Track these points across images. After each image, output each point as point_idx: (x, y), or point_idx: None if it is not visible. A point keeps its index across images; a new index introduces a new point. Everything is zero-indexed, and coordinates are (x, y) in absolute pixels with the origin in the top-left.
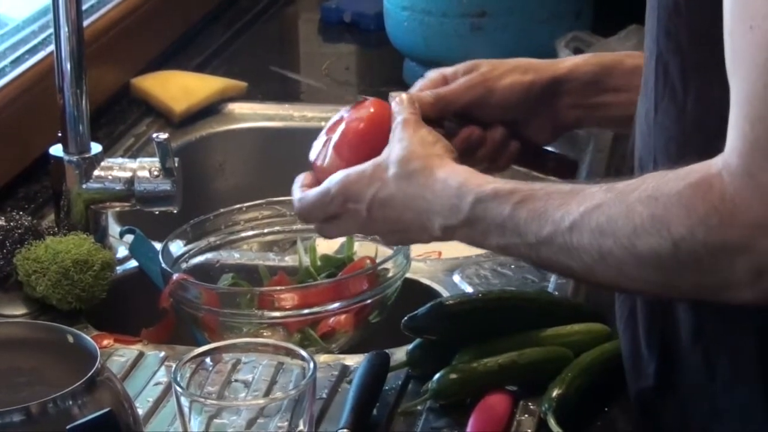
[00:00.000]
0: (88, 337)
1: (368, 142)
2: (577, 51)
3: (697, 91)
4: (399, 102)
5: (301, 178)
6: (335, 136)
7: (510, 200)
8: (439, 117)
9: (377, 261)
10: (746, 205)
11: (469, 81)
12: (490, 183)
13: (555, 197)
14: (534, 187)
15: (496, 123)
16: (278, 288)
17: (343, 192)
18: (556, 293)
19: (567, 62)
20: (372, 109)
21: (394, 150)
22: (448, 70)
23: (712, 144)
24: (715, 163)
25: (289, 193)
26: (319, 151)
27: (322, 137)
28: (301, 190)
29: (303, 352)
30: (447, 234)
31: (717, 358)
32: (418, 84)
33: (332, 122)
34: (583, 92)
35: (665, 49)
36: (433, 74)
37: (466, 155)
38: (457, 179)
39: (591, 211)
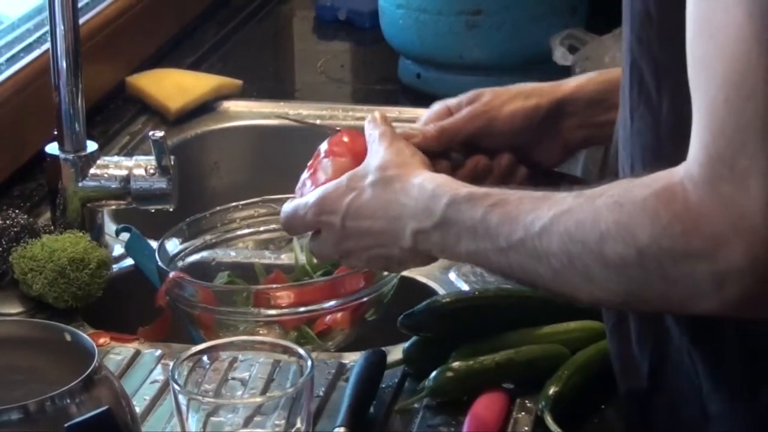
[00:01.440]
0: (86, 336)
1: (346, 170)
2: (572, 48)
3: (671, 98)
4: (372, 120)
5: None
6: (314, 170)
7: (483, 203)
8: (444, 149)
9: None
10: (708, 215)
11: (472, 111)
12: (465, 187)
13: (527, 202)
14: (507, 192)
15: (502, 150)
16: (274, 286)
17: (318, 203)
18: None
19: (571, 83)
20: (346, 139)
21: (371, 160)
22: (452, 102)
23: (686, 152)
24: (677, 172)
25: (284, 190)
26: (300, 186)
27: (304, 173)
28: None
29: (300, 350)
30: (418, 240)
31: (703, 362)
32: (424, 117)
33: (313, 158)
34: (588, 111)
35: (639, 56)
36: (437, 107)
37: (474, 184)
38: (432, 183)
39: (560, 215)
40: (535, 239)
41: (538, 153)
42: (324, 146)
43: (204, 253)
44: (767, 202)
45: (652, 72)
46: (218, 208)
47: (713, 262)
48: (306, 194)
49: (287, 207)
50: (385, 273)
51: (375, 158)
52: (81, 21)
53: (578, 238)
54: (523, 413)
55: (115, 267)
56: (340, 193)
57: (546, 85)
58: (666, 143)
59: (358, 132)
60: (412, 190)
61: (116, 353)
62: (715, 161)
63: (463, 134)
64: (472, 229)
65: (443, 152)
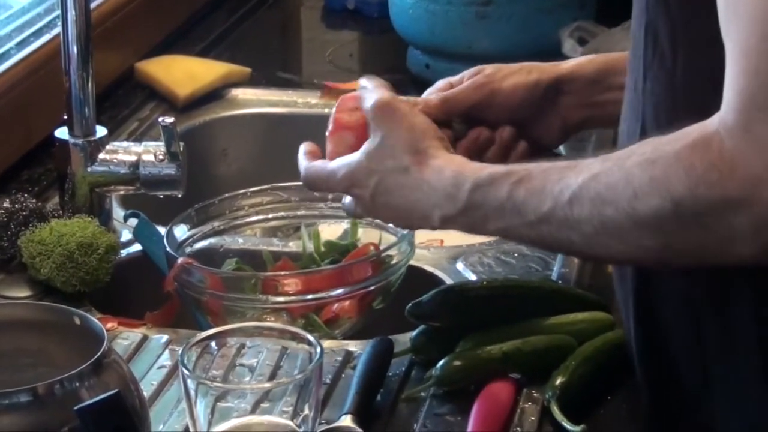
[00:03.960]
0: (95, 319)
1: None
2: (582, 41)
3: (687, 55)
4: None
5: (305, 146)
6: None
7: (507, 182)
8: (446, 119)
9: (381, 248)
10: (744, 159)
11: (474, 83)
12: (485, 168)
13: (552, 173)
14: (529, 166)
15: (504, 123)
16: (282, 273)
17: (349, 176)
18: (560, 282)
19: (571, 62)
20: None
21: (385, 142)
22: (454, 78)
23: (702, 107)
24: (712, 122)
25: (292, 178)
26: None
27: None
28: (306, 158)
29: (310, 337)
30: (446, 223)
31: (707, 326)
32: (427, 92)
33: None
34: (587, 91)
35: (655, 14)
36: (440, 83)
37: (475, 156)
38: (451, 168)
39: (589, 181)
40: (565, 208)
41: (537, 129)
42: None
43: (212, 240)
44: None
45: (668, 31)
46: (226, 195)
47: (751, 205)
48: (327, 155)
49: (310, 167)
50: (394, 262)
51: (389, 139)
52: (92, 6)
53: (610, 200)
54: (529, 403)
55: (123, 252)
56: (365, 172)
57: (548, 63)
58: (680, 102)
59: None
60: (431, 178)
61: (124, 338)
62: (749, 105)
63: (465, 104)
64: (499, 208)
65: (446, 122)
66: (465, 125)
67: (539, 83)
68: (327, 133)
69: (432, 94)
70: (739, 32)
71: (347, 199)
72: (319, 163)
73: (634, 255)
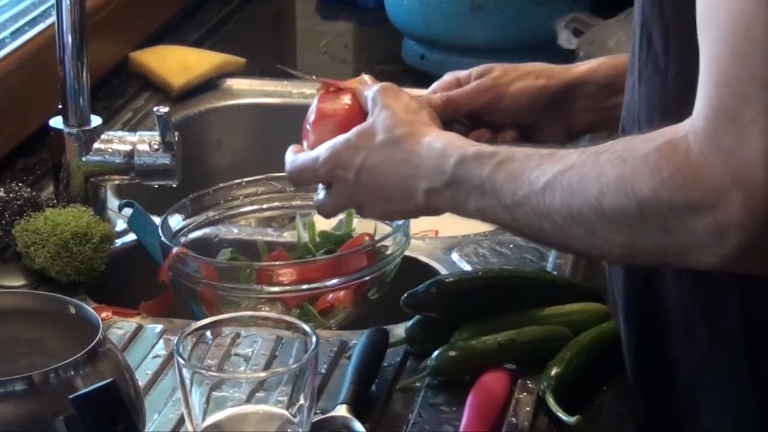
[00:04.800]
0: (90, 309)
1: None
2: (577, 32)
3: (678, 59)
4: (365, 82)
5: (293, 147)
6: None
7: (491, 162)
8: (449, 119)
9: (376, 238)
10: (709, 167)
11: (480, 85)
12: (473, 146)
13: (533, 159)
14: (515, 149)
15: (507, 126)
16: (278, 263)
17: (332, 158)
18: (555, 273)
19: (581, 67)
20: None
21: (379, 117)
22: (462, 74)
23: (693, 112)
24: (683, 126)
25: None
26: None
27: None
28: (293, 153)
29: (305, 326)
30: (430, 198)
31: (696, 329)
32: (433, 86)
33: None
34: (597, 96)
35: (649, 16)
36: (447, 77)
37: None
38: (441, 141)
39: (564, 171)
40: (538, 195)
41: (541, 133)
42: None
43: (207, 230)
44: None
45: (661, 34)
46: (221, 185)
47: (712, 213)
48: (311, 146)
49: (294, 159)
50: (389, 252)
51: (383, 115)
52: None
53: (579, 193)
54: (524, 394)
55: (118, 242)
56: (351, 151)
57: (557, 66)
58: (672, 105)
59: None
60: (422, 150)
61: (118, 328)
62: (718, 114)
63: (468, 107)
64: (480, 187)
65: (447, 122)
66: (467, 125)
67: (546, 89)
68: (309, 125)
69: (437, 91)
70: (712, 41)
71: (321, 194)
72: (302, 153)
73: (602, 248)
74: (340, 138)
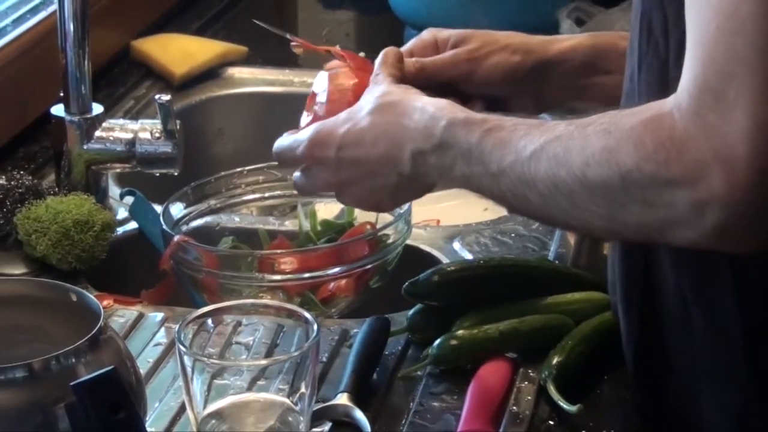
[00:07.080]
0: (92, 296)
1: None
2: (579, 21)
3: (677, 45)
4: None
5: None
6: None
7: (480, 128)
8: (419, 87)
9: (378, 227)
10: (693, 142)
11: (455, 56)
12: (464, 112)
13: (521, 128)
14: (504, 118)
15: (476, 97)
16: (279, 251)
17: (311, 138)
18: (557, 262)
19: (561, 44)
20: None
21: (371, 92)
22: (441, 35)
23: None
24: (668, 102)
25: None
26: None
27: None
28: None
29: (306, 314)
30: (417, 163)
31: (695, 319)
32: (410, 43)
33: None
34: (573, 76)
35: (649, 6)
36: (426, 36)
37: None
38: (433, 106)
39: (551, 141)
40: (524, 164)
41: (510, 105)
42: (322, 82)
43: (208, 218)
44: (751, 132)
45: (661, 22)
46: (223, 173)
47: (694, 189)
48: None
49: (281, 141)
50: (390, 241)
51: (375, 90)
52: None
53: (564, 163)
54: (526, 383)
55: (119, 230)
56: (336, 125)
57: (536, 41)
58: (673, 92)
59: (357, 61)
60: (413, 113)
61: (119, 315)
62: (703, 91)
63: (441, 77)
64: (467, 152)
65: (420, 88)
66: (437, 93)
67: (522, 65)
68: (305, 111)
69: (413, 53)
70: (698, 19)
71: (297, 172)
72: (289, 134)
73: (584, 220)
74: (330, 119)
